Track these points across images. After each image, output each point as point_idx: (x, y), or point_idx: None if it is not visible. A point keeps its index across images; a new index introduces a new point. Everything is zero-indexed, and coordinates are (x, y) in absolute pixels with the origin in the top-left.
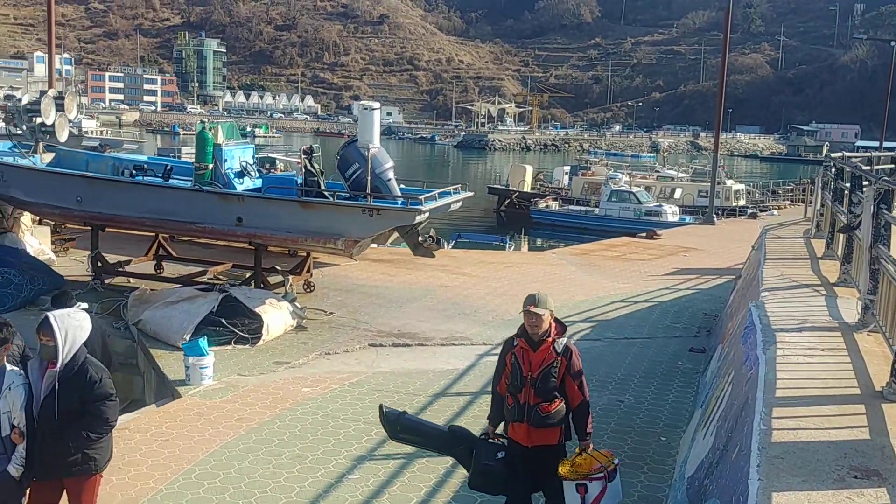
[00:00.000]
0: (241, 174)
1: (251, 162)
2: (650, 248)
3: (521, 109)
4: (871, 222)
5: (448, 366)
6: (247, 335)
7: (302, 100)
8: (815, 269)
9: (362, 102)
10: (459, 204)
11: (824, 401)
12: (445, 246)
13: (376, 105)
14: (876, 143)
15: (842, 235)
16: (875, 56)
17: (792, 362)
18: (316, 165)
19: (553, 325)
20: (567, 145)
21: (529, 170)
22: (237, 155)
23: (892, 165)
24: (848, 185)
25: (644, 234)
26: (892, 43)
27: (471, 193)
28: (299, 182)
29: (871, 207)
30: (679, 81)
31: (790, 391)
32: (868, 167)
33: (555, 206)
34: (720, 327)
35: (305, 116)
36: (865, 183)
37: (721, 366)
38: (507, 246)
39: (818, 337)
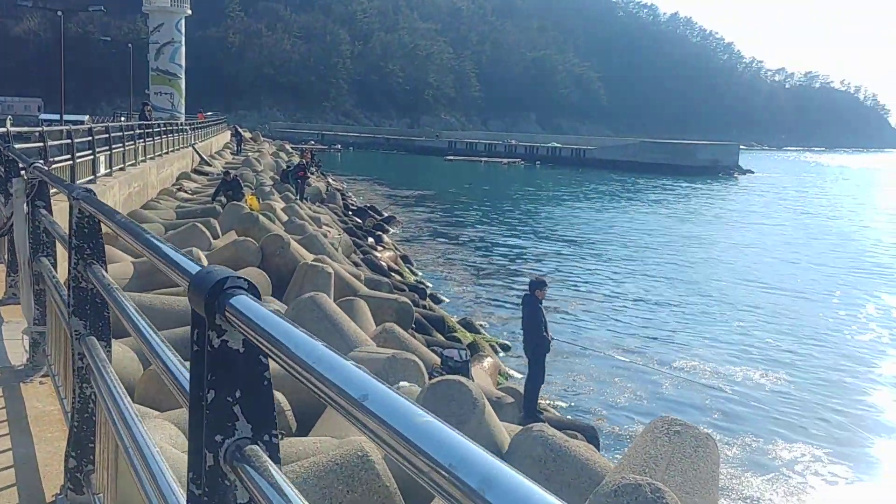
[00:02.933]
0: None
1: None
2: None
3: None
4: (28, 226)
5: None
6: None
7: None
8: None
9: None
10: None
11: None
12: None
13: None
14: (58, 116)
15: (6, 238)
16: (48, 28)
17: None
18: None
19: None
20: None
21: None
22: None
23: (41, 144)
24: (2, 171)
25: None
26: (59, 13)
27: None
28: None
29: (24, 205)
30: None
31: None
32: (41, 144)
33: None
34: None
35: None
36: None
37: None
38: None
39: None
